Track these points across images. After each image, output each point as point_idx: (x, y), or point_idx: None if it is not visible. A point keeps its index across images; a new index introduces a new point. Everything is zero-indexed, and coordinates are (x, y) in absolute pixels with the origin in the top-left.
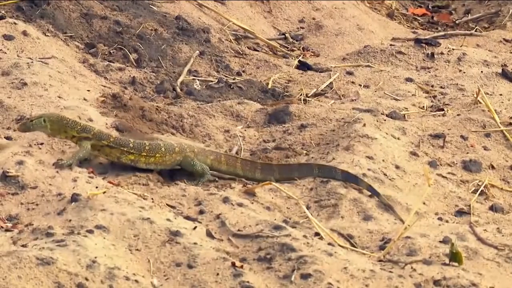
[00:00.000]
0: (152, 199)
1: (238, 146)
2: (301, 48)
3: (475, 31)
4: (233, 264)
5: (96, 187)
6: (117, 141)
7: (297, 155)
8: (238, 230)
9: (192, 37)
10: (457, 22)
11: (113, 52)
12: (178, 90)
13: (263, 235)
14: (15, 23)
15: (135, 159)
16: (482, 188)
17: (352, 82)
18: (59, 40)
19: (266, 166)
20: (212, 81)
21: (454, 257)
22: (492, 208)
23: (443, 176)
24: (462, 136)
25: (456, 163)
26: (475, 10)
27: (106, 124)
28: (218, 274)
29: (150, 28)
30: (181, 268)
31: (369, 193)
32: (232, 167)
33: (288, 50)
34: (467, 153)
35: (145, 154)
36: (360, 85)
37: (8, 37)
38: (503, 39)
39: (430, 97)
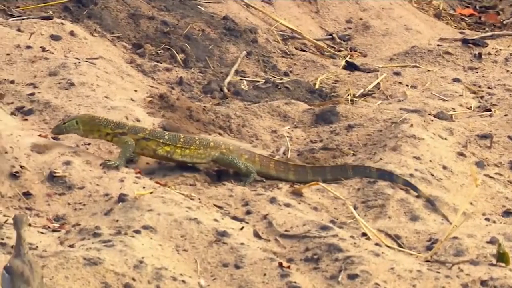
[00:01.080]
0: (199, 199)
1: (285, 147)
2: (348, 48)
3: None
4: (280, 265)
5: (143, 188)
6: (152, 133)
7: (344, 155)
8: (285, 231)
9: (240, 38)
10: (504, 22)
11: (160, 52)
12: (226, 90)
13: (310, 236)
14: (62, 24)
15: (170, 150)
16: None
17: (400, 83)
18: (107, 40)
19: (299, 167)
20: (259, 82)
21: (501, 257)
22: None
23: (490, 177)
24: (509, 137)
25: (504, 164)
26: None
27: (153, 124)
28: (265, 274)
29: (197, 28)
30: (228, 269)
31: (416, 194)
32: (265, 168)
33: (335, 51)
34: None
35: (180, 145)
36: (407, 85)
37: (55, 38)
38: None
39: (478, 97)
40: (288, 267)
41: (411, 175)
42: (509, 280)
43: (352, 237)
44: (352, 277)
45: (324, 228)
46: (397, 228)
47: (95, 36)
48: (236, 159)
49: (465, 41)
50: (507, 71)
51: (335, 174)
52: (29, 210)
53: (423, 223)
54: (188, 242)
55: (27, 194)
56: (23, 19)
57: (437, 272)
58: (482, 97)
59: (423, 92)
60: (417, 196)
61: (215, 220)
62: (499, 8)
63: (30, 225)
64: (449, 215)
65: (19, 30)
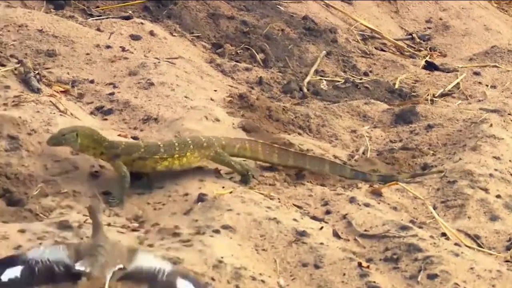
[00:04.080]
0: (279, 199)
1: (364, 147)
2: (428, 48)
3: None
4: (360, 264)
5: (223, 187)
6: (148, 151)
7: (424, 155)
8: (365, 230)
9: (319, 37)
10: None
11: (240, 52)
12: (305, 90)
13: (389, 235)
14: (142, 23)
15: (169, 164)
16: None
17: (479, 83)
18: (186, 40)
19: (282, 151)
20: (339, 81)
21: None
22: None
23: None
24: None
25: None
26: None
27: (233, 124)
28: (344, 274)
29: (277, 28)
30: (308, 268)
31: (496, 194)
32: (255, 152)
33: (415, 50)
34: None
35: (177, 155)
36: (487, 85)
37: (135, 37)
38: None
39: None
40: (368, 267)
41: (491, 175)
42: None
43: (431, 237)
44: (431, 277)
45: (403, 228)
46: (476, 228)
47: (174, 36)
48: (230, 160)
49: None
50: None
51: (313, 165)
52: (109, 210)
53: (502, 223)
54: (267, 242)
55: (106, 194)
56: (102, 19)
57: None
58: None
59: (502, 92)
60: (497, 196)
61: (295, 220)
62: None
63: (109, 224)
64: None
65: (98, 29)
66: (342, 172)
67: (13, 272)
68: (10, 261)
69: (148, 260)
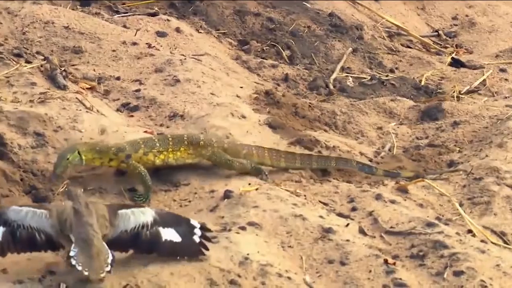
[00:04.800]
0: (305, 196)
1: (391, 143)
2: (454, 45)
3: None
4: (386, 261)
5: (249, 184)
6: (147, 145)
7: (450, 152)
8: (391, 227)
9: (345, 34)
10: None
11: (266, 49)
12: (331, 87)
13: (415, 232)
14: (168, 20)
15: (165, 158)
16: None
17: (505, 79)
18: (212, 37)
19: (289, 154)
20: (365, 78)
21: None
22: None
23: None
24: None
25: None
26: None
27: (259, 120)
28: (370, 271)
29: (303, 25)
30: (334, 265)
31: None
32: (261, 158)
33: (441, 47)
34: None
35: (171, 149)
36: None
37: (161, 34)
38: None
39: None
40: (394, 263)
41: None
42: None
43: (457, 234)
44: (457, 274)
45: (429, 224)
46: (502, 225)
47: (201, 32)
48: (228, 160)
49: None
50: None
51: (320, 163)
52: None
53: None
54: (293, 239)
55: (132, 191)
56: (129, 15)
57: None
58: None
59: None
60: None
61: (321, 216)
62: None
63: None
64: None
65: (124, 26)
66: (348, 166)
67: None
68: None
69: (130, 219)
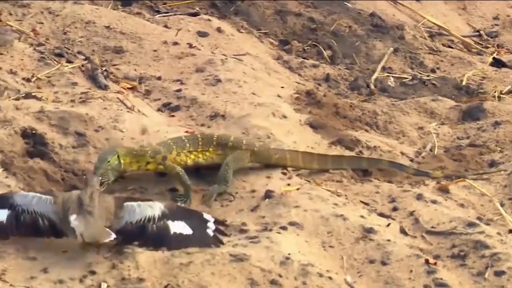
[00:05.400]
0: (346, 195)
1: (432, 143)
2: (495, 45)
3: None
4: (427, 261)
5: (289, 184)
6: (178, 145)
7: (491, 152)
8: (432, 227)
9: (386, 34)
10: None
11: (307, 48)
12: (372, 87)
13: (456, 232)
14: (209, 20)
15: (195, 158)
16: None
17: None
18: (253, 36)
19: (321, 157)
20: (406, 78)
21: None
22: None
23: None
24: None
25: None
26: None
27: (300, 120)
28: (411, 271)
29: (344, 25)
30: (375, 265)
31: None
32: (295, 161)
33: (482, 47)
34: None
35: (200, 149)
36: None
37: (202, 34)
38: None
39: None
40: (435, 263)
41: None
42: None
43: (498, 233)
44: (498, 274)
45: (470, 224)
46: None
47: (242, 32)
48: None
49: None
50: None
51: (352, 164)
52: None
53: None
54: (334, 239)
55: (173, 191)
56: (170, 15)
57: None
58: None
59: None
60: None
61: (362, 216)
62: None
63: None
64: None
65: (166, 26)
66: (379, 165)
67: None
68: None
69: (136, 211)
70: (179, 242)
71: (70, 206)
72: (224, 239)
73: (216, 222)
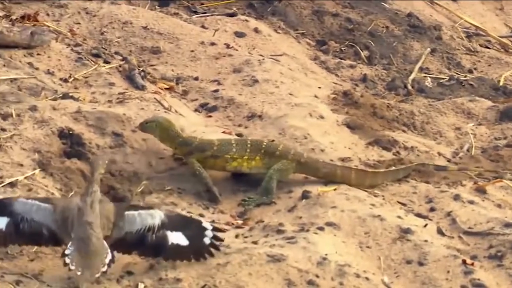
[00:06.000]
0: (383, 196)
1: (469, 144)
2: None
3: None
4: (464, 262)
5: (326, 184)
6: (220, 149)
7: None
8: (469, 228)
9: (424, 34)
10: None
11: (344, 49)
12: (409, 87)
13: (494, 233)
14: (246, 20)
15: (238, 165)
16: None
17: None
18: (290, 37)
19: (374, 173)
20: (443, 79)
21: None
22: None
23: None
24: None
25: None
26: None
27: (337, 121)
28: (448, 271)
29: (381, 25)
30: (412, 266)
31: None
32: (347, 178)
33: None
34: None
35: (247, 157)
36: None
37: (239, 34)
38: None
39: None
40: (472, 264)
41: None
42: None
43: None
44: None
45: (508, 225)
46: None
47: (279, 33)
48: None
49: None
50: None
51: (403, 174)
52: (213, 208)
53: None
54: (371, 239)
55: (209, 191)
56: (207, 16)
57: None
58: None
59: None
60: None
61: (399, 217)
62: None
63: (213, 221)
64: None
65: (203, 27)
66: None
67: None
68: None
69: (136, 221)
70: (176, 254)
71: (69, 216)
72: (261, 239)
73: (214, 229)
